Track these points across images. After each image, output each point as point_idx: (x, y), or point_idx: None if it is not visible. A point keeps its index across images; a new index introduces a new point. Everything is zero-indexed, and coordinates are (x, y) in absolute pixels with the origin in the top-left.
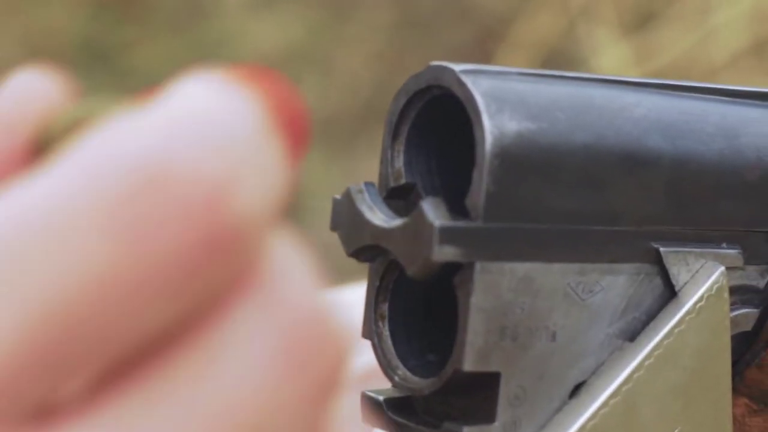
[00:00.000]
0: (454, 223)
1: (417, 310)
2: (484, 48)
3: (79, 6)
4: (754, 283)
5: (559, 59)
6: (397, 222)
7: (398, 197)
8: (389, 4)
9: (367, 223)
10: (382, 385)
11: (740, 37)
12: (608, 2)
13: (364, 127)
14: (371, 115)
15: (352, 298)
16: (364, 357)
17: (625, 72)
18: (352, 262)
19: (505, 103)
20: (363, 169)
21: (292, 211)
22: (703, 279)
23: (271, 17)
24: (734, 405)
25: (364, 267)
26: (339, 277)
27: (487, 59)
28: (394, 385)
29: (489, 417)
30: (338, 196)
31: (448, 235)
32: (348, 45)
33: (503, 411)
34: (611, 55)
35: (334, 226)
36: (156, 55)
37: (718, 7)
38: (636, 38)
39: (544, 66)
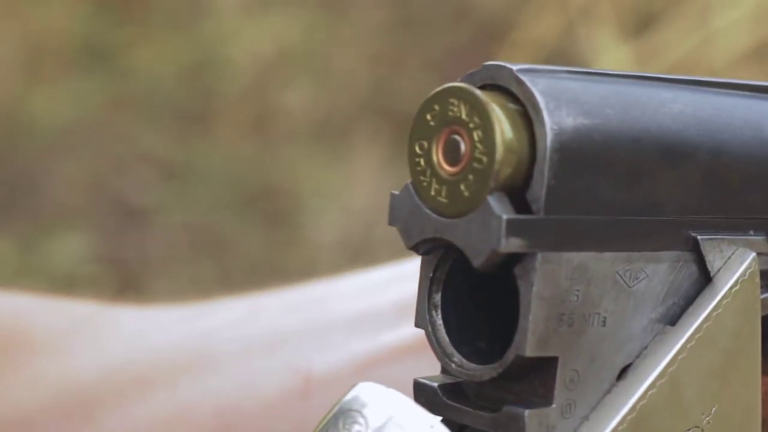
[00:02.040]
0: (519, 216)
1: (466, 300)
2: (483, 48)
3: (79, 6)
4: None
5: (560, 60)
6: (461, 215)
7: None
8: (386, 4)
9: (429, 217)
10: (388, 372)
11: (741, 40)
12: (607, 3)
13: (361, 127)
14: (368, 115)
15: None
16: (364, 344)
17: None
18: (350, 260)
19: (561, 101)
20: (360, 168)
21: (290, 211)
22: (736, 265)
23: (269, 17)
24: (762, 384)
25: (362, 265)
26: (337, 277)
27: (485, 60)
28: (451, 372)
29: (547, 400)
30: (396, 192)
31: (514, 227)
32: (345, 45)
33: (560, 394)
34: (612, 57)
35: (393, 221)
36: (155, 54)
37: (719, 9)
38: (636, 40)
39: None
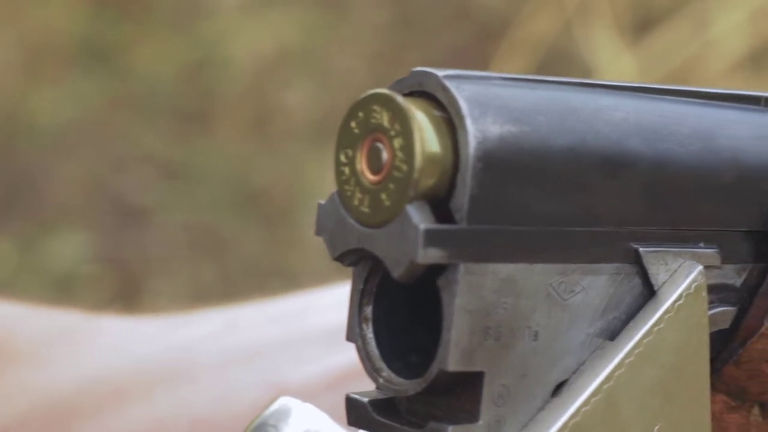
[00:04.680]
0: (438, 226)
1: (399, 313)
2: (482, 48)
3: (78, 5)
4: (731, 281)
5: (559, 60)
6: (383, 225)
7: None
8: (386, 3)
9: (352, 227)
10: (361, 387)
11: (738, 47)
12: (605, 2)
13: None
14: None
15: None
16: (340, 357)
17: (625, 77)
18: None
19: (488, 107)
20: None
21: (289, 211)
22: (682, 278)
23: (268, 16)
24: (712, 402)
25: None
26: (337, 276)
27: (485, 59)
28: (379, 387)
29: (473, 416)
30: (323, 201)
31: (433, 238)
32: (345, 44)
33: (487, 410)
34: (609, 55)
35: (319, 231)
36: (155, 54)
37: (717, 15)
38: (634, 39)
39: (543, 66)
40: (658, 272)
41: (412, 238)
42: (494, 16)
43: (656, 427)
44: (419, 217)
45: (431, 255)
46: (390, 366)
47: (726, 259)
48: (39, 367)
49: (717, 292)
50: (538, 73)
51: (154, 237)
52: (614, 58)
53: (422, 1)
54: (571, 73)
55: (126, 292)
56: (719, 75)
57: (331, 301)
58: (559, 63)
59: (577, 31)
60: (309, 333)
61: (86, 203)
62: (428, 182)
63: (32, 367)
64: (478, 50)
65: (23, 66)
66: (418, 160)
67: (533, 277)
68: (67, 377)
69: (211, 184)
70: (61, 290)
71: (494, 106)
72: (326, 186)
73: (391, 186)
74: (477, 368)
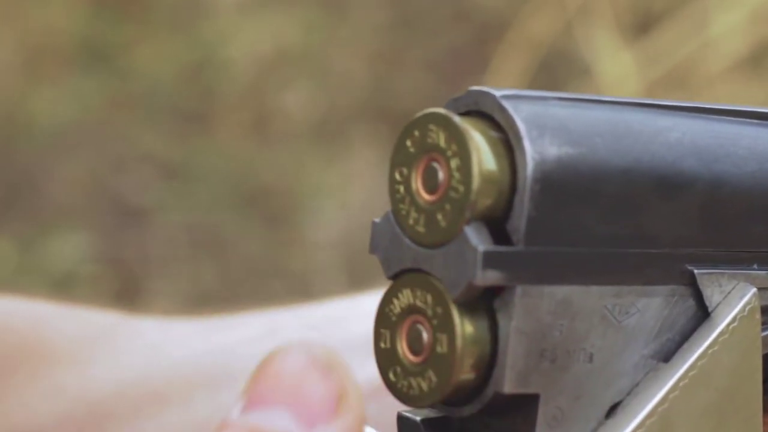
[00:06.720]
0: (496, 248)
1: None
2: (482, 48)
3: (78, 5)
4: None
5: (559, 60)
6: (439, 246)
7: None
8: (385, 4)
9: (408, 246)
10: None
11: (737, 47)
12: (606, 3)
13: (360, 126)
14: (368, 114)
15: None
16: (368, 369)
17: (624, 77)
18: (348, 261)
19: (546, 129)
20: (359, 169)
21: (289, 211)
22: (736, 300)
23: (268, 17)
24: (763, 424)
25: (361, 266)
26: (336, 278)
27: (485, 59)
28: (433, 405)
29: None
30: (377, 219)
31: (491, 260)
32: (344, 45)
33: None
34: (610, 56)
35: (373, 249)
36: (155, 54)
37: (716, 15)
38: (635, 40)
39: (541, 67)
40: (712, 294)
41: (471, 259)
42: (494, 17)
43: None
44: (478, 239)
45: (490, 277)
46: None
47: None
48: (76, 368)
49: None
50: (537, 73)
51: (154, 237)
52: (614, 58)
53: (422, 1)
54: (570, 73)
55: (126, 292)
56: (719, 75)
57: (370, 309)
58: (558, 63)
59: (577, 31)
60: (350, 340)
61: (86, 203)
62: (485, 203)
63: (69, 368)
64: (477, 50)
65: (23, 66)
66: (476, 181)
67: (589, 299)
68: (104, 379)
69: (211, 184)
70: (61, 290)
71: (552, 127)
72: (326, 186)
73: (448, 206)
74: (532, 390)
